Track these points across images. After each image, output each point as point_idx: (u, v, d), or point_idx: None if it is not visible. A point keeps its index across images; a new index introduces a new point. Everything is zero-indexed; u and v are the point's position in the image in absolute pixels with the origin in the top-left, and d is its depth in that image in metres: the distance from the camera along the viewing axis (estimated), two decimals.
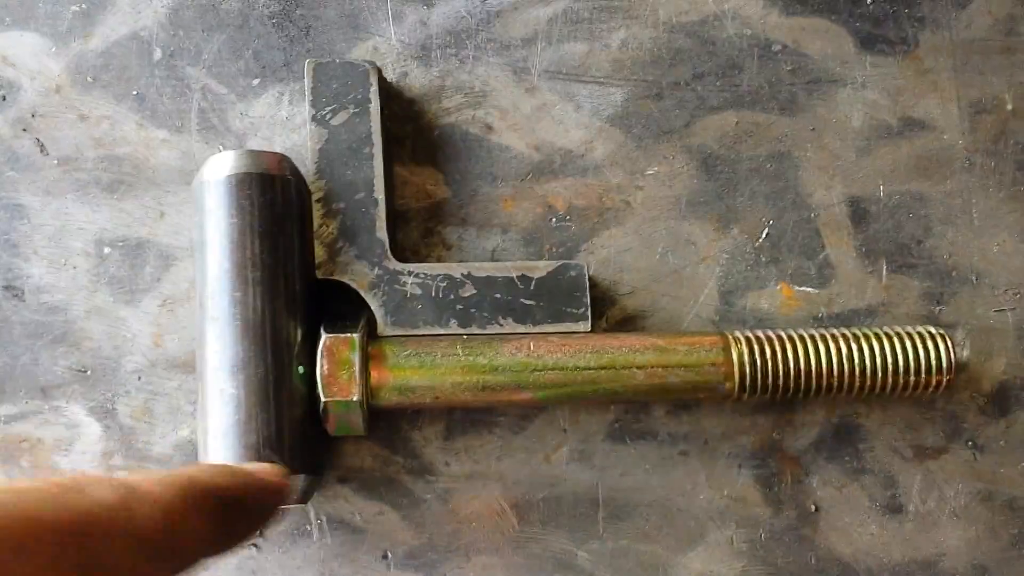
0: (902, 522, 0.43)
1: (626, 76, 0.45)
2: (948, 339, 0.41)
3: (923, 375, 0.41)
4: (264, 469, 0.30)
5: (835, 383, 0.41)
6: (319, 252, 0.41)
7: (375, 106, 0.42)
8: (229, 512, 0.26)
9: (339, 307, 0.41)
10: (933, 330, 0.42)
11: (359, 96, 0.42)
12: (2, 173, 0.43)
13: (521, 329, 0.41)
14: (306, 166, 0.41)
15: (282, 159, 0.40)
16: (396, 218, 0.44)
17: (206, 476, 0.26)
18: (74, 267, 0.43)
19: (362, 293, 0.41)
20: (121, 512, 0.23)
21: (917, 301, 0.44)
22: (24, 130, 0.43)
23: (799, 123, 0.45)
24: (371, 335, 0.40)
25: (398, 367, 0.39)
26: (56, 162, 0.43)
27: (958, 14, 0.46)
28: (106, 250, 0.43)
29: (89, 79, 0.44)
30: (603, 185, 0.45)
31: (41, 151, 0.43)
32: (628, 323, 0.44)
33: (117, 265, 0.43)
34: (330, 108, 0.42)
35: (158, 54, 0.44)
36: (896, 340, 0.41)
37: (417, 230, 0.44)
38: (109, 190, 0.43)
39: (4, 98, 0.44)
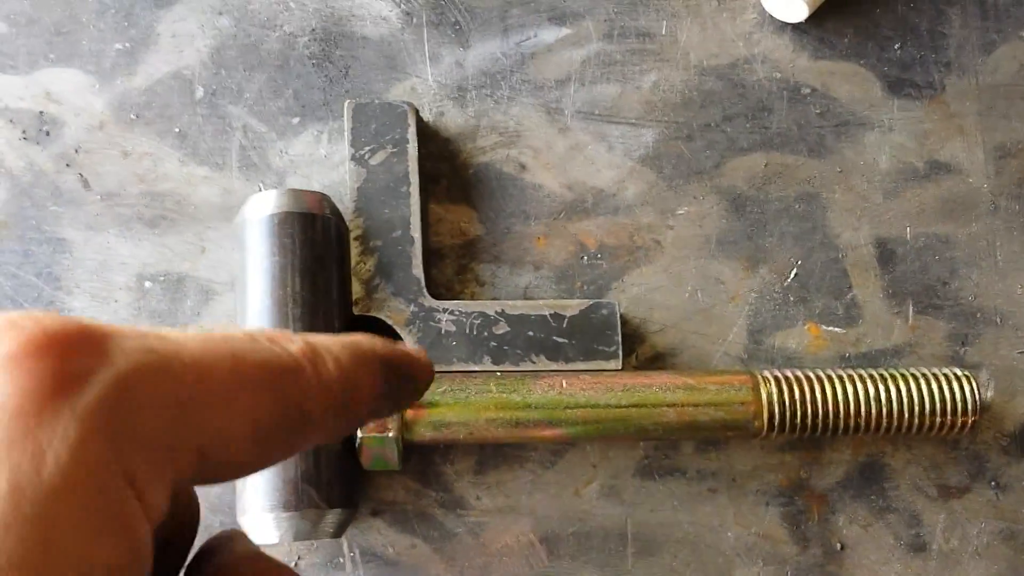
0: (926, 560, 0.44)
1: (657, 117, 0.46)
2: (973, 381, 0.42)
3: (948, 416, 0.42)
4: (416, 348, 0.31)
5: (862, 423, 0.41)
6: (356, 289, 0.41)
7: (413, 146, 0.43)
8: (390, 375, 0.27)
9: None
10: (959, 372, 0.42)
11: (397, 136, 0.43)
12: (45, 208, 0.44)
13: (553, 366, 0.42)
14: (345, 204, 0.42)
15: (322, 198, 0.40)
16: (431, 255, 0.45)
17: (368, 342, 0.27)
18: (116, 301, 0.43)
19: (398, 329, 0.41)
20: (309, 363, 0.23)
21: (942, 342, 0.45)
22: (67, 165, 0.44)
23: (827, 165, 0.46)
24: None
25: (432, 403, 0.40)
26: (99, 197, 0.44)
27: (984, 60, 0.47)
28: (147, 284, 0.44)
29: (132, 116, 0.45)
30: (634, 224, 0.45)
31: (84, 186, 0.44)
32: (658, 360, 0.45)
33: (158, 299, 0.44)
34: (369, 148, 0.43)
35: (200, 92, 0.45)
36: (922, 381, 0.42)
37: (451, 267, 0.45)
38: (151, 225, 0.44)
39: (48, 134, 0.45)
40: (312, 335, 0.25)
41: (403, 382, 0.28)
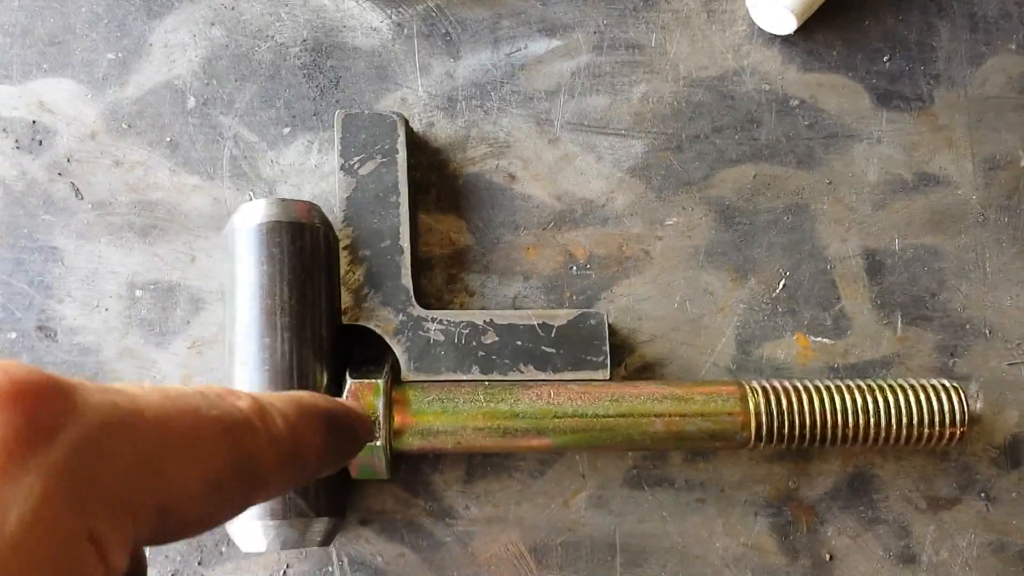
0: (915, 572, 0.44)
1: (647, 129, 0.46)
2: (962, 392, 0.42)
3: (937, 427, 0.41)
4: (356, 404, 0.31)
5: (850, 433, 0.41)
6: (345, 298, 0.42)
7: (402, 156, 0.43)
8: (333, 431, 0.28)
9: (364, 352, 0.42)
10: (947, 383, 0.42)
11: (386, 146, 0.43)
12: (38, 216, 0.44)
13: (542, 376, 0.42)
14: (334, 213, 0.42)
15: (311, 207, 0.41)
16: (420, 265, 0.45)
17: (310, 398, 0.28)
18: (106, 309, 0.44)
19: (387, 339, 0.42)
20: (259, 419, 0.24)
21: (931, 353, 0.45)
22: (60, 175, 0.45)
23: (816, 176, 0.46)
24: (395, 380, 0.41)
25: (421, 412, 0.40)
26: (90, 206, 0.44)
27: (973, 72, 0.47)
28: (138, 293, 0.44)
29: (124, 126, 0.45)
30: (623, 235, 0.46)
31: (76, 195, 0.44)
32: (646, 371, 0.45)
33: (148, 308, 0.44)
34: (358, 158, 0.43)
35: (192, 102, 0.45)
36: (911, 392, 0.42)
37: (441, 277, 0.45)
38: (142, 234, 0.44)
39: (41, 143, 0.45)
40: (257, 393, 0.25)
41: (346, 435, 0.29)
